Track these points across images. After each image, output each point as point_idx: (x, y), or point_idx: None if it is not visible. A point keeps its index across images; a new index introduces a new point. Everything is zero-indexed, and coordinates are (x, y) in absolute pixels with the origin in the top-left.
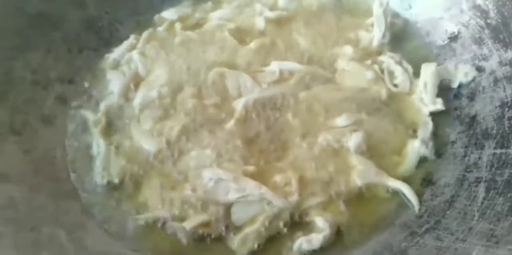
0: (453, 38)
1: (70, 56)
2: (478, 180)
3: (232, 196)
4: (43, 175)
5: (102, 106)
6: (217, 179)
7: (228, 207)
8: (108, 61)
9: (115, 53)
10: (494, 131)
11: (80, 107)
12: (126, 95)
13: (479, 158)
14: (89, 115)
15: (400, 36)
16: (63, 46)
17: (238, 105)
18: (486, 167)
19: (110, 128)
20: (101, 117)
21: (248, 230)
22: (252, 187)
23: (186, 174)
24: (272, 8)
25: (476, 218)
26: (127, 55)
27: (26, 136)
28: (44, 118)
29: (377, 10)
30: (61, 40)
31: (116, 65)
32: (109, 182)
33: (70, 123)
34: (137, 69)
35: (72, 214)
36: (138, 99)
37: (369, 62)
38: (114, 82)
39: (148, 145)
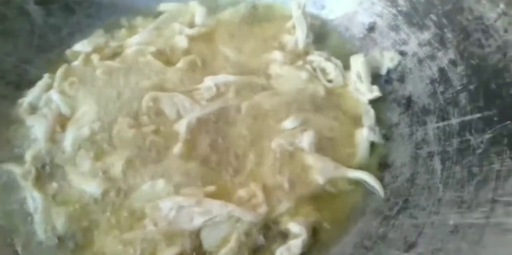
0: (371, 29)
1: None
2: (431, 154)
3: (198, 221)
4: None
5: (28, 156)
6: (178, 207)
7: (196, 234)
8: (22, 106)
9: (29, 96)
10: (432, 107)
11: (2, 161)
12: (53, 139)
13: (425, 134)
14: (15, 169)
15: (321, 35)
16: None
17: (181, 127)
18: (434, 140)
19: (43, 177)
20: (30, 168)
21: (223, 252)
22: (217, 207)
23: (142, 210)
24: (190, 25)
25: (441, 189)
26: (45, 96)
27: None
28: None
29: (296, 12)
30: None
31: (33, 110)
32: (55, 237)
33: None
34: (59, 109)
35: None
36: (68, 140)
37: (300, 63)
38: (37, 127)
39: (92, 187)
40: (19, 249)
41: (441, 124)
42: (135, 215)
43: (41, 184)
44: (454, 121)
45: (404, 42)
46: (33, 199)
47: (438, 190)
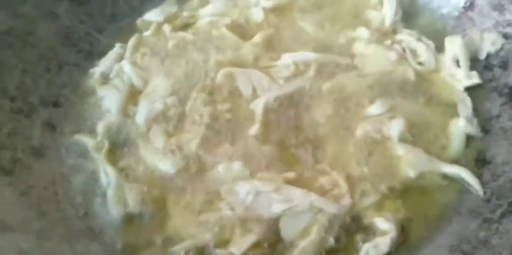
0: (469, 7)
1: (50, 75)
2: None
3: (277, 209)
4: (49, 217)
5: (100, 128)
6: (255, 192)
7: (274, 222)
8: (94, 76)
9: (101, 66)
10: None
11: (74, 132)
12: (125, 112)
13: None
14: (87, 140)
15: (410, 12)
16: (40, 65)
17: (258, 106)
18: None
19: (115, 152)
20: (102, 140)
21: (303, 244)
22: (299, 196)
23: (218, 192)
24: None
25: None
26: (116, 67)
27: (19, 174)
28: (35, 151)
29: None
30: (36, 57)
31: (105, 80)
32: (128, 214)
33: (66, 153)
34: (131, 81)
35: None
36: (141, 114)
37: (388, 42)
38: (109, 99)
39: (166, 166)
40: (92, 223)
41: None
42: (210, 196)
43: (114, 158)
44: None
45: (509, 24)
46: (106, 173)
47: None
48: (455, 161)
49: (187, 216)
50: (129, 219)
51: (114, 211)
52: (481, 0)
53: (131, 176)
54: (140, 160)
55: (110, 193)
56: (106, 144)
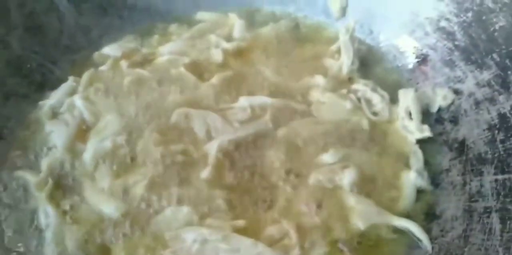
0: (422, 61)
1: None
2: (488, 211)
3: None
4: None
5: (44, 165)
6: (202, 240)
7: None
8: (43, 109)
9: (52, 99)
10: (489, 156)
11: (14, 167)
12: (73, 149)
13: (481, 185)
14: (29, 177)
15: (367, 62)
16: None
17: (211, 149)
18: (492, 195)
19: (58, 191)
20: (46, 178)
21: None
22: (247, 247)
23: (163, 238)
24: (228, 39)
25: (501, 254)
26: (68, 101)
27: None
28: None
29: (343, 36)
30: None
31: (54, 114)
32: None
33: (4, 189)
34: (82, 117)
35: None
36: (89, 152)
37: (344, 91)
38: (56, 134)
39: (110, 209)
40: None
41: (500, 177)
42: (155, 243)
43: (56, 198)
44: None
45: (460, 80)
46: (46, 214)
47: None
48: (405, 214)
49: None
50: None
51: None
52: (434, 55)
53: (73, 217)
54: (84, 201)
55: (48, 235)
56: (50, 182)
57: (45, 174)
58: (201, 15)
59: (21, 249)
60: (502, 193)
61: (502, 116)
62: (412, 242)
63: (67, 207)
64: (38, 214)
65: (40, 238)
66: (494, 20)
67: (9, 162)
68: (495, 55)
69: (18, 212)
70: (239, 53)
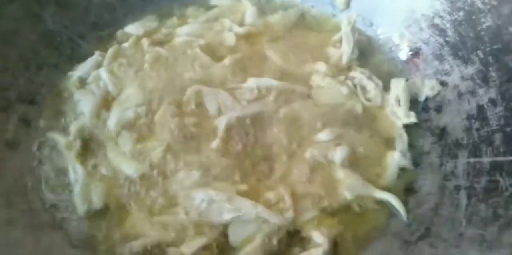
0: (415, 54)
1: (29, 73)
2: (458, 188)
3: (226, 216)
4: (16, 207)
5: (73, 128)
6: (209, 200)
7: (224, 227)
8: (72, 79)
9: (80, 70)
10: (465, 142)
11: (47, 129)
12: (98, 116)
13: (455, 167)
14: (59, 138)
15: (365, 52)
16: (21, 63)
17: (220, 123)
18: (463, 175)
19: (85, 151)
20: (74, 140)
21: (248, 249)
22: (247, 207)
23: (176, 197)
24: (240, 24)
25: (463, 224)
26: (94, 73)
27: None
28: (8, 143)
29: (345, 27)
30: (17, 56)
31: (82, 84)
32: (91, 210)
33: (38, 148)
34: (107, 88)
35: (55, 248)
36: (112, 119)
37: (342, 78)
38: (84, 102)
39: (130, 170)
40: (58, 218)
41: (472, 160)
42: (168, 200)
43: (83, 157)
44: (486, 159)
45: (447, 73)
46: (75, 171)
47: (461, 225)
48: (387, 189)
49: (145, 216)
50: (92, 214)
51: (79, 206)
52: (426, 49)
53: (97, 175)
54: (107, 161)
55: (76, 189)
56: (78, 144)
57: (73, 136)
58: (216, 0)
59: (55, 197)
60: (471, 174)
61: (480, 107)
62: (390, 213)
63: (92, 166)
64: (68, 171)
65: (69, 191)
66: (482, 20)
67: (42, 125)
68: (479, 52)
69: (51, 168)
70: (250, 38)
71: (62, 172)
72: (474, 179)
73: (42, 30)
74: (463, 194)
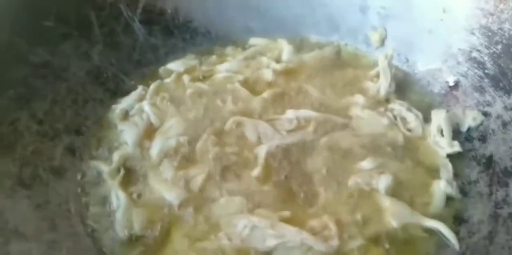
0: (454, 87)
1: (76, 106)
2: None
3: (270, 243)
4: (60, 230)
5: (116, 157)
6: (252, 226)
7: (268, 254)
8: (115, 111)
9: (123, 103)
10: None
11: (91, 158)
12: (141, 145)
13: (506, 195)
14: (103, 167)
15: (402, 86)
16: (69, 97)
17: (261, 151)
18: None
19: (127, 179)
20: (117, 168)
21: None
22: (292, 233)
23: (217, 223)
24: (277, 61)
25: None
26: (137, 106)
27: (37, 189)
28: (54, 170)
29: (382, 61)
30: (66, 90)
31: (125, 116)
32: (131, 236)
33: (83, 175)
34: (149, 120)
35: None
36: (155, 148)
37: (382, 109)
38: (127, 132)
39: (171, 196)
40: (98, 241)
41: None
42: (210, 227)
43: (126, 185)
44: None
45: (489, 104)
46: (117, 197)
47: None
48: (436, 217)
49: (187, 243)
50: (133, 241)
51: (120, 231)
52: (465, 82)
53: (139, 202)
54: (149, 188)
55: (118, 215)
56: (121, 172)
57: (116, 164)
58: (254, 40)
59: (96, 225)
60: None
61: None
62: (441, 241)
63: (134, 193)
64: (111, 198)
65: (112, 217)
66: None
67: (87, 154)
68: None
69: (95, 195)
70: (288, 74)
71: (105, 199)
72: None
73: (89, 67)
74: None
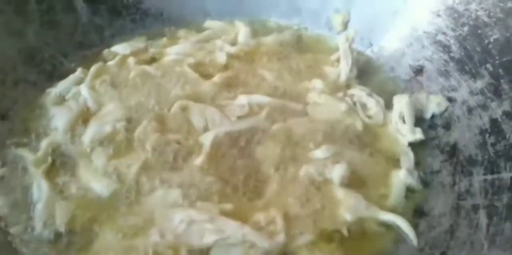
0: (418, 72)
1: (3, 88)
2: (475, 208)
3: (208, 239)
4: None
5: (44, 144)
6: (189, 220)
7: (204, 252)
8: (49, 96)
9: (58, 87)
10: (479, 158)
11: (16, 145)
12: (73, 131)
13: (470, 185)
14: (27, 155)
15: (365, 71)
16: None
17: (207, 139)
18: (481, 193)
19: (53, 169)
20: (44, 156)
21: None
22: (232, 228)
23: (151, 217)
24: (232, 44)
25: (486, 246)
26: (74, 89)
27: None
28: None
29: (343, 44)
30: None
31: (60, 101)
32: (54, 232)
33: (1, 164)
34: (85, 104)
35: None
36: (88, 135)
37: (340, 94)
38: (59, 117)
39: (100, 187)
40: (14, 240)
41: (489, 177)
42: (143, 222)
43: (51, 175)
44: (506, 175)
45: (454, 89)
46: (39, 188)
47: (483, 247)
48: (394, 210)
49: (115, 240)
50: (54, 238)
51: (40, 227)
52: (430, 66)
53: (64, 193)
54: (77, 179)
55: (39, 208)
56: (48, 160)
57: (43, 152)
58: (209, 23)
59: (13, 218)
60: (490, 192)
61: (493, 121)
62: (399, 237)
63: (60, 184)
64: (32, 189)
65: (30, 211)
66: (489, 33)
67: (11, 141)
68: (488, 65)
69: (14, 187)
70: (243, 57)
71: (26, 191)
72: (494, 197)
73: (22, 46)
74: (482, 214)
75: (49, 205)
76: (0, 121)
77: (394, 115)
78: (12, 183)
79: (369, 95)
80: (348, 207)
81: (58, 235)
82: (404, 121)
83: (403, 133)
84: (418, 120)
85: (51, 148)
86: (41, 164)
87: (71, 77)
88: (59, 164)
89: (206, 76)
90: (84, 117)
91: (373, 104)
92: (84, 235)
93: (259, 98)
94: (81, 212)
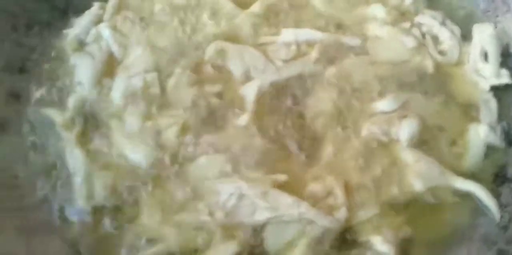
0: None
1: (16, 35)
2: None
3: (260, 216)
4: (5, 204)
5: (71, 102)
6: (239, 194)
7: (257, 230)
8: (68, 38)
9: (76, 28)
10: None
11: (40, 104)
12: (100, 84)
13: None
14: (55, 116)
15: None
16: (6, 23)
17: (250, 92)
18: None
19: (85, 132)
20: (73, 117)
21: None
22: (288, 205)
23: (196, 189)
24: None
25: None
26: (94, 31)
27: None
28: None
29: None
30: (1, 14)
31: (80, 44)
32: (95, 206)
33: (30, 127)
34: (109, 49)
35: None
36: (117, 89)
37: (406, 25)
38: (82, 68)
39: (138, 157)
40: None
41: None
42: (187, 194)
43: (83, 139)
44: None
45: None
46: (74, 157)
47: None
48: (471, 175)
49: (160, 214)
50: (96, 212)
51: (80, 202)
52: None
53: (101, 162)
54: (113, 145)
55: (77, 180)
56: (79, 123)
57: (71, 113)
58: None
59: (51, 193)
60: None
61: None
62: (477, 209)
63: (95, 150)
64: (65, 157)
65: (67, 182)
66: None
67: (34, 98)
68: None
69: (45, 152)
70: None
71: (59, 157)
72: None
73: None
74: None
75: (87, 176)
76: (18, 74)
77: (474, 50)
78: (43, 149)
79: (442, 23)
80: (419, 174)
81: (99, 210)
82: (486, 59)
83: (485, 75)
84: (504, 57)
85: (79, 106)
86: (72, 127)
87: (88, 14)
88: (90, 125)
89: (243, 4)
90: (110, 64)
91: (447, 37)
92: (127, 210)
93: (308, 33)
94: (123, 183)
